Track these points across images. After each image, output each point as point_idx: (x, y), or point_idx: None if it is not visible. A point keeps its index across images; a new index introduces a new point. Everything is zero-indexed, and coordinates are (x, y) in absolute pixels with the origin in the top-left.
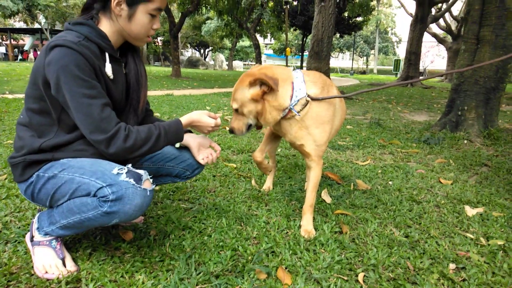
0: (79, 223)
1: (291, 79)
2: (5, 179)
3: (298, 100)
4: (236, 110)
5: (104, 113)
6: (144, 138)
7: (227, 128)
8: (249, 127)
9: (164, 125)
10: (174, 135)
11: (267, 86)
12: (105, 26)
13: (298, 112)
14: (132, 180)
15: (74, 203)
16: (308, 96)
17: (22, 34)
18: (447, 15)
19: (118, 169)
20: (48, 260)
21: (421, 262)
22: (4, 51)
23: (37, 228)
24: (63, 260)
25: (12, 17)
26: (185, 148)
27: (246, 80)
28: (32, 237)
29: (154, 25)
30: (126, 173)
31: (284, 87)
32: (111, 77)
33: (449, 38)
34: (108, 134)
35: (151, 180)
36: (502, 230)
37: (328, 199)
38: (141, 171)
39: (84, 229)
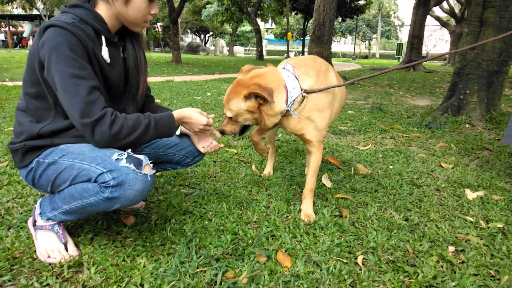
0: (81, 209)
1: (283, 83)
2: (7, 165)
3: (294, 100)
4: (230, 118)
5: (91, 96)
6: (131, 126)
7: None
8: (246, 127)
9: (155, 116)
10: (165, 128)
11: (262, 99)
12: (102, 9)
13: (296, 109)
14: (132, 166)
15: (76, 189)
16: (304, 91)
17: (21, 21)
18: None
19: (118, 155)
20: (50, 244)
21: (420, 245)
22: (3, 38)
23: (40, 214)
24: (65, 244)
25: (10, 3)
26: (186, 135)
27: (241, 91)
28: (34, 222)
29: (152, 10)
30: (126, 158)
31: (278, 95)
32: (108, 60)
33: (452, 22)
34: (93, 118)
35: (151, 165)
36: (502, 213)
37: (328, 184)
38: (141, 156)
39: (86, 214)
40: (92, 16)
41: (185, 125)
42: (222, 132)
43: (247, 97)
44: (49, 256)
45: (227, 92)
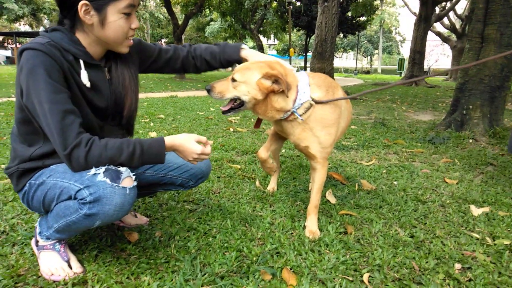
0: (67, 227)
1: (296, 83)
2: None
3: (302, 104)
4: (234, 80)
5: (65, 120)
6: (111, 156)
7: (207, 88)
8: (235, 107)
9: (143, 143)
10: (152, 157)
11: (279, 87)
12: (81, 39)
13: (301, 115)
14: (108, 180)
15: (60, 207)
16: (312, 99)
17: (27, 38)
18: (451, 13)
19: (96, 170)
20: (53, 263)
21: (426, 262)
22: (10, 54)
23: (39, 233)
24: (68, 262)
25: (17, 21)
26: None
27: (265, 68)
28: (36, 242)
29: (132, 24)
30: (103, 172)
31: (290, 93)
32: (87, 84)
33: (453, 37)
34: (68, 149)
35: (133, 177)
36: (508, 229)
37: (332, 200)
38: (122, 169)
39: (74, 232)
40: (68, 39)
41: (177, 153)
42: (209, 89)
43: (267, 76)
44: (52, 274)
45: (251, 62)
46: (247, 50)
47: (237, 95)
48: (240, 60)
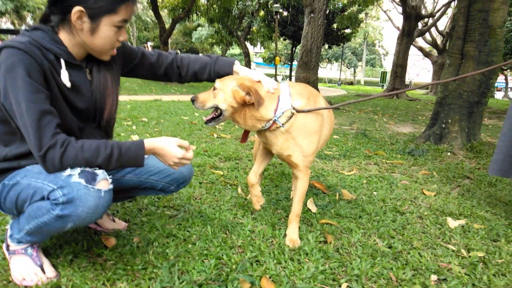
0: (38, 228)
1: (278, 92)
2: None
3: (283, 113)
4: (214, 89)
5: (41, 120)
6: (87, 158)
7: (191, 98)
8: (216, 117)
9: (122, 146)
10: (131, 160)
11: (250, 99)
12: (64, 37)
13: (283, 124)
14: (83, 181)
15: (32, 208)
16: (294, 108)
17: (9, 35)
18: (433, 29)
19: (71, 171)
20: (25, 268)
21: (403, 273)
22: None
23: (10, 236)
24: (41, 266)
25: None
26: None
27: (243, 79)
28: (8, 246)
29: (120, 37)
30: (78, 174)
31: (270, 102)
32: (68, 85)
33: (434, 52)
34: (43, 149)
35: (110, 180)
36: (483, 242)
37: (313, 208)
38: (98, 171)
39: (45, 234)
40: (49, 38)
41: (158, 157)
42: (193, 99)
43: (242, 87)
44: (24, 279)
45: (234, 74)
46: (239, 65)
47: (216, 103)
48: (231, 74)
